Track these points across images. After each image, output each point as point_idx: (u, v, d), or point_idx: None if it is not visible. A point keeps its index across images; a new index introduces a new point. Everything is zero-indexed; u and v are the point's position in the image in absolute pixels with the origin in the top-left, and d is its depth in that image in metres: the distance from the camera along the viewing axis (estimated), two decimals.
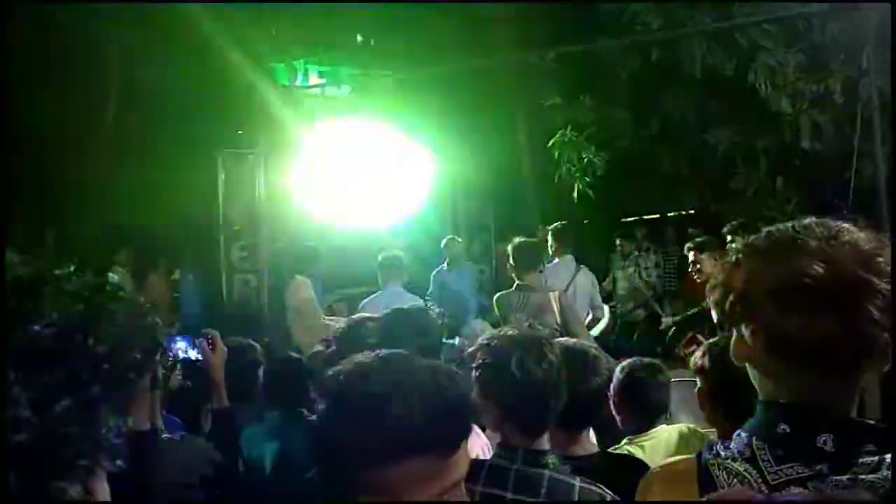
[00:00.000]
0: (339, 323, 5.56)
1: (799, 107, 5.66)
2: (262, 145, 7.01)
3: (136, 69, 6.75)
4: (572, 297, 5.54)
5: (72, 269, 0.56)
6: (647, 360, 2.74)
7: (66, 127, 6.21)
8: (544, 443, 1.71)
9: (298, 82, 7.41)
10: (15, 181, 5.59)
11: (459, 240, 7.35)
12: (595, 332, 5.37)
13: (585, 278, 5.69)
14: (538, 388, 1.71)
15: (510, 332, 1.78)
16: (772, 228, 1.13)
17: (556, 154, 6.98)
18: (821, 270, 1.02)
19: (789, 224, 1.11)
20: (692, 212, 9.94)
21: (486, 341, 1.77)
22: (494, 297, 4.76)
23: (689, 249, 4.87)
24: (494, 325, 4.49)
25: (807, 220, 1.10)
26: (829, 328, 1.02)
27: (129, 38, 6.53)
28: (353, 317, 3.00)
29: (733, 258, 1.15)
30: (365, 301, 5.18)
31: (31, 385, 0.47)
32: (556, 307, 4.50)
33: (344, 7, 7.45)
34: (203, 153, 6.95)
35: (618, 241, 7.60)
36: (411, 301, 4.83)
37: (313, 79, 7.54)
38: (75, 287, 0.54)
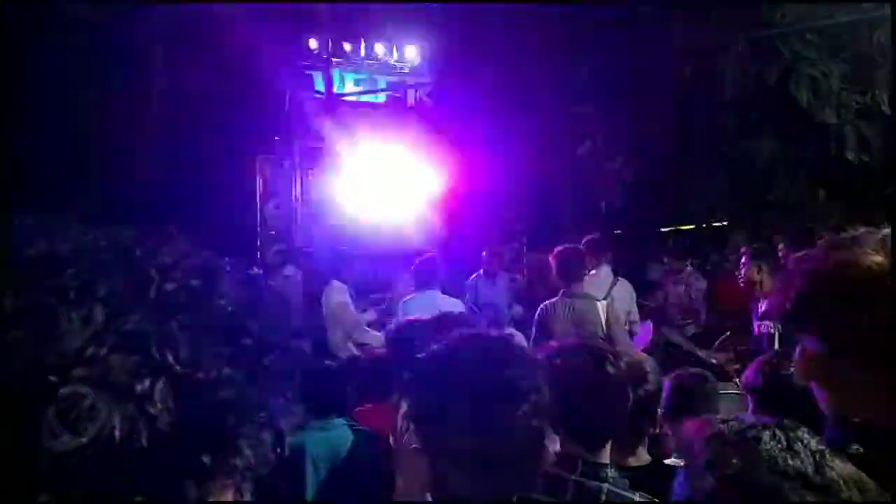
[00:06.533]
0: (376, 331, 5.59)
1: (844, 118, 5.55)
2: (299, 152, 7.10)
3: (177, 75, 6.87)
4: None
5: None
6: (695, 369, 2.72)
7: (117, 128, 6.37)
8: (604, 455, 1.69)
9: (335, 90, 7.49)
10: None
11: (501, 251, 7.32)
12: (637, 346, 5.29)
13: (623, 290, 5.58)
14: (597, 400, 1.69)
15: (576, 342, 1.77)
16: (830, 236, 1.16)
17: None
18: (872, 262, 1.04)
19: (849, 233, 1.13)
20: (725, 223, 9.80)
21: (552, 350, 1.76)
22: (539, 306, 4.58)
23: (742, 254, 4.96)
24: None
25: (865, 229, 1.12)
26: (884, 319, 1.01)
27: (172, 46, 6.66)
28: (401, 319, 3.00)
29: (792, 265, 1.19)
30: (403, 301, 4.99)
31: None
32: (602, 317, 4.40)
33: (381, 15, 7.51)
34: (242, 158, 7.05)
35: (665, 259, 7.33)
36: (450, 304, 4.73)
37: (350, 87, 7.61)
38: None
